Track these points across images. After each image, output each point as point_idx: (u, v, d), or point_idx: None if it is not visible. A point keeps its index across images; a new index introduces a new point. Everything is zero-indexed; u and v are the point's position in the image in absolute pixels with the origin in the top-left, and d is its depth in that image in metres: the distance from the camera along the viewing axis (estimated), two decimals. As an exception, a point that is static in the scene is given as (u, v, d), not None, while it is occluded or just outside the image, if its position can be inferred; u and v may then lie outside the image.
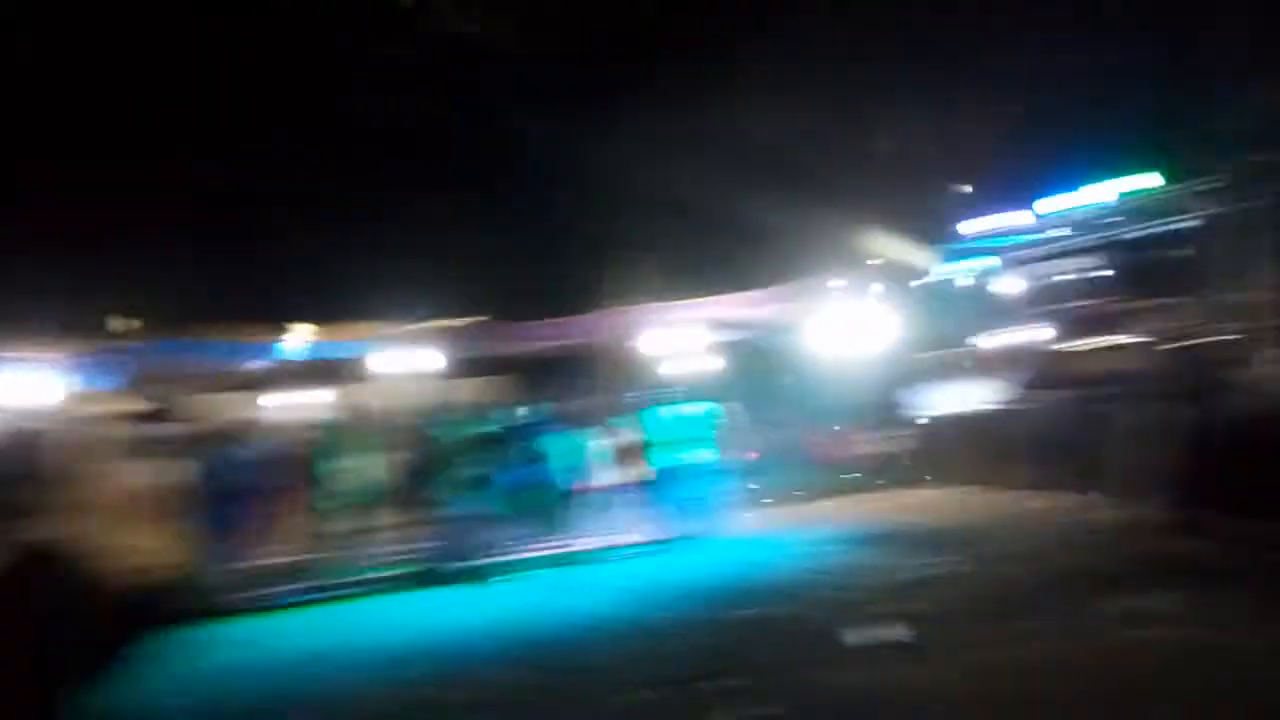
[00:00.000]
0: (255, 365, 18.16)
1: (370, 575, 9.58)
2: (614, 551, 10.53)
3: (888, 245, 15.66)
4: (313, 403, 21.38)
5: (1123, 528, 9.18)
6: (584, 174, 21.70)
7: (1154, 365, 11.77)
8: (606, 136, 20.29)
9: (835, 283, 14.30)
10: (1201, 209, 11.64)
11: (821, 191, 16.61)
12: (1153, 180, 12.71)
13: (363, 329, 18.39)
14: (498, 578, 9.42)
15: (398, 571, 9.89)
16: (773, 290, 15.68)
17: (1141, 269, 12.97)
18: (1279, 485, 9.46)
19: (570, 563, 10.14)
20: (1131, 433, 10.54)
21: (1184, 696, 4.72)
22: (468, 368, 22.12)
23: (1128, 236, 12.88)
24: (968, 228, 14.92)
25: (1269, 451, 9.93)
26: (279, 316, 17.10)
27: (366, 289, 20.60)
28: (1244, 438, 9.97)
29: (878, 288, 14.20)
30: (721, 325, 17.97)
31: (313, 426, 11.68)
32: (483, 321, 20.00)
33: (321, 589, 9.36)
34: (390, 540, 11.09)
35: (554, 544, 10.54)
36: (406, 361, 19.39)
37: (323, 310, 18.15)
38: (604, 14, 21.81)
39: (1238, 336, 10.90)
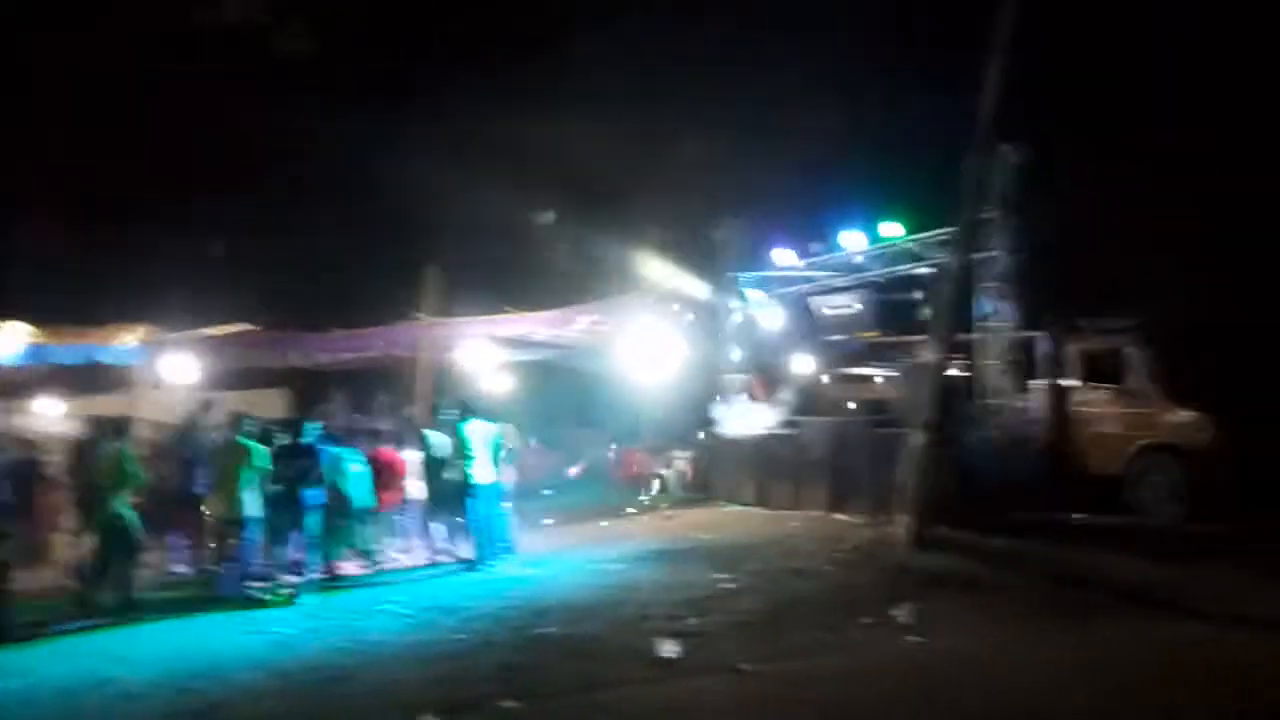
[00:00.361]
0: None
1: (144, 598, 8.77)
2: (411, 572, 10.34)
3: (671, 274, 16.48)
4: (58, 412, 19.24)
5: (875, 543, 10.24)
6: (381, 185, 21.16)
7: (901, 395, 13.29)
8: (404, 148, 19.95)
9: (633, 306, 14.82)
10: (936, 258, 13.18)
11: (616, 218, 17.28)
12: (897, 229, 14.21)
13: (113, 332, 16.81)
14: (284, 599, 8.91)
15: (174, 595, 9.17)
16: (572, 310, 16.01)
17: (892, 308, 14.52)
18: (1004, 505, 11.07)
19: (365, 584, 9.83)
20: (880, 457, 11.81)
21: (929, 701, 5.43)
22: (242, 378, 20.75)
23: (881, 279, 14.30)
24: (744, 262, 15.95)
25: (995, 475, 11.53)
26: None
27: (128, 290, 18.91)
28: (975, 463, 11.49)
29: (672, 313, 14.87)
30: (521, 343, 18.09)
31: (68, 437, 10.59)
32: (257, 330, 18.88)
33: (88, 615, 8.44)
34: (168, 561, 10.33)
35: (347, 564, 10.23)
36: (172, 369, 17.93)
37: (69, 310, 16.44)
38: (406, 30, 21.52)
39: (970, 373, 12.56)
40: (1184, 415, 11.45)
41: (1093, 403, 12.37)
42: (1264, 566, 8.21)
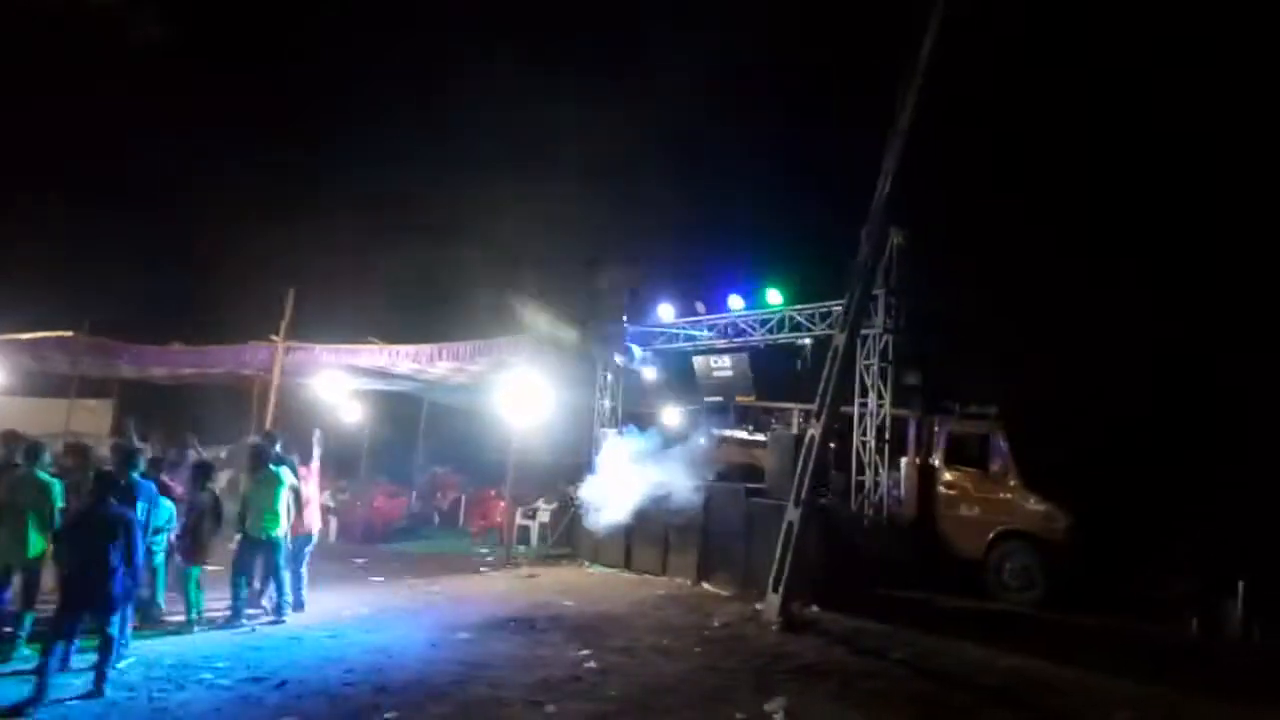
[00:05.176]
0: None
1: None
2: (205, 634, 8.70)
3: (549, 320, 15.93)
4: None
5: (744, 621, 9.88)
6: (245, 201, 19.82)
7: (772, 462, 13.12)
8: (276, 165, 18.77)
9: (508, 348, 14.13)
10: (816, 329, 13.19)
11: (496, 260, 16.64)
12: (777, 297, 14.18)
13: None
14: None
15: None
16: (440, 346, 15.16)
17: (770, 374, 14.44)
18: (871, 583, 10.96)
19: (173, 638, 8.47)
20: (751, 526, 11.55)
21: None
22: (55, 388, 18.72)
23: (761, 344, 14.20)
24: (627, 314, 15.60)
25: (863, 551, 11.45)
26: None
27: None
28: (844, 539, 11.38)
29: (547, 359, 14.28)
30: (383, 374, 17.02)
31: None
32: (73, 336, 17.10)
33: None
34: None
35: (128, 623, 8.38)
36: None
37: None
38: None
39: (841, 447, 12.53)
40: (1041, 504, 11.75)
41: (956, 484, 12.59)
42: (1113, 667, 8.36)
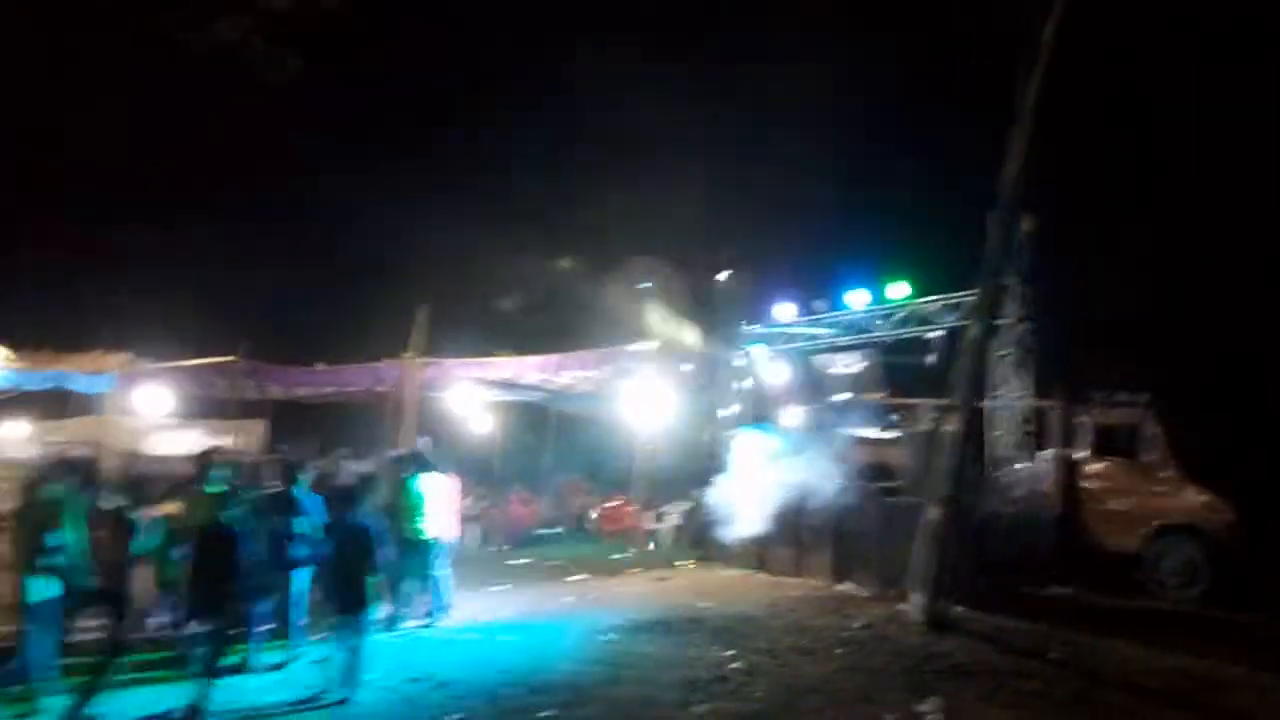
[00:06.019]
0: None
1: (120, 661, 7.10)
2: (378, 635, 9.28)
3: (671, 324, 16.11)
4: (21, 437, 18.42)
5: (886, 621, 9.72)
6: (375, 222, 20.80)
7: (906, 461, 12.88)
8: (403, 189, 19.64)
9: (631, 355, 14.37)
10: (945, 322, 12.90)
11: (617, 267, 16.93)
12: (904, 290, 13.91)
13: (94, 358, 16.17)
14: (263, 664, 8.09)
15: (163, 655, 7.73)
16: (567, 356, 15.56)
17: (898, 370, 14.19)
18: (1017, 582, 10.61)
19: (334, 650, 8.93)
20: (888, 526, 11.36)
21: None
22: (214, 410, 20.06)
23: (889, 340, 13.99)
24: (747, 316, 15.62)
25: (1008, 550, 11.10)
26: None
27: (106, 316, 18.31)
28: (988, 537, 11.06)
29: (670, 364, 14.45)
30: (510, 386, 17.58)
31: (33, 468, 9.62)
32: (234, 361, 18.29)
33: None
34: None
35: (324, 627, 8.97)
36: (145, 399, 17.26)
37: (30, 333, 15.81)
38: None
39: (979, 442, 12.18)
40: (1202, 494, 11.11)
41: (1104, 476, 12.02)
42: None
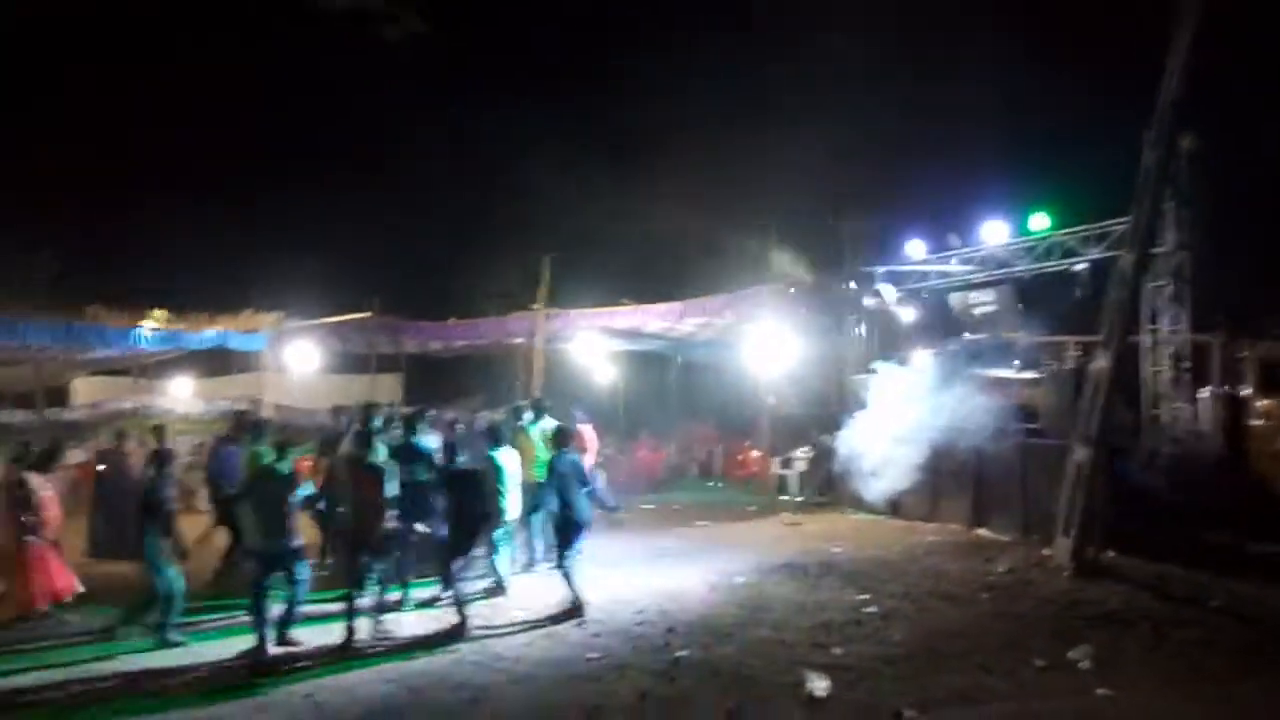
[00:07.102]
0: (121, 351, 16.70)
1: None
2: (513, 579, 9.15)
3: (797, 266, 15.78)
4: (188, 394, 19.88)
5: (1030, 567, 9.38)
6: (499, 177, 21.14)
7: (1048, 401, 12.28)
8: (525, 141, 19.84)
9: (755, 299, 14.16)
10: (1091, 253, 12.10)
11: (742, 209, 16.69)
12: (1044, 222, 13.11)
13: (248, 318, 17.24)
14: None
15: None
16: (690, 303, 15.49)
17: (1038, 306, 13.45)
18: (1174, 527, 10.00)
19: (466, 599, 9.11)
20: (1030, 469, 10.89)
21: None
22: (354, 365, 21.11)
23: (1029, 275, 13.28)
24: (876, 255, 15.12)
25: (1163, 493, 10.46)
26: (133, 301, 15.86)
27: (253, 277, 19.43)
28: (1140, 480, 10.45)
29: (796, 307, 14.18)
30: (634, 335, 17.72)
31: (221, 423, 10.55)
32: (375, 316, 19.12)
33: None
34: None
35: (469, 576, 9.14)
36: (295, 355, 18.29)
37: (191, 297, 16.94)
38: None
39: (1132, 379, 11.46)
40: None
41: (1271, 415, 11.14)
42: None
